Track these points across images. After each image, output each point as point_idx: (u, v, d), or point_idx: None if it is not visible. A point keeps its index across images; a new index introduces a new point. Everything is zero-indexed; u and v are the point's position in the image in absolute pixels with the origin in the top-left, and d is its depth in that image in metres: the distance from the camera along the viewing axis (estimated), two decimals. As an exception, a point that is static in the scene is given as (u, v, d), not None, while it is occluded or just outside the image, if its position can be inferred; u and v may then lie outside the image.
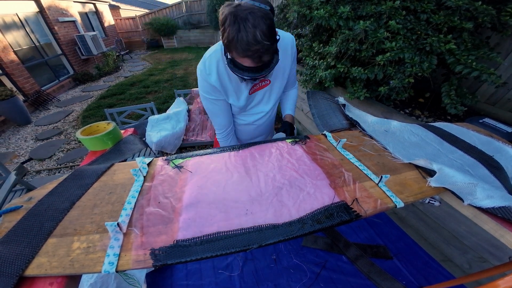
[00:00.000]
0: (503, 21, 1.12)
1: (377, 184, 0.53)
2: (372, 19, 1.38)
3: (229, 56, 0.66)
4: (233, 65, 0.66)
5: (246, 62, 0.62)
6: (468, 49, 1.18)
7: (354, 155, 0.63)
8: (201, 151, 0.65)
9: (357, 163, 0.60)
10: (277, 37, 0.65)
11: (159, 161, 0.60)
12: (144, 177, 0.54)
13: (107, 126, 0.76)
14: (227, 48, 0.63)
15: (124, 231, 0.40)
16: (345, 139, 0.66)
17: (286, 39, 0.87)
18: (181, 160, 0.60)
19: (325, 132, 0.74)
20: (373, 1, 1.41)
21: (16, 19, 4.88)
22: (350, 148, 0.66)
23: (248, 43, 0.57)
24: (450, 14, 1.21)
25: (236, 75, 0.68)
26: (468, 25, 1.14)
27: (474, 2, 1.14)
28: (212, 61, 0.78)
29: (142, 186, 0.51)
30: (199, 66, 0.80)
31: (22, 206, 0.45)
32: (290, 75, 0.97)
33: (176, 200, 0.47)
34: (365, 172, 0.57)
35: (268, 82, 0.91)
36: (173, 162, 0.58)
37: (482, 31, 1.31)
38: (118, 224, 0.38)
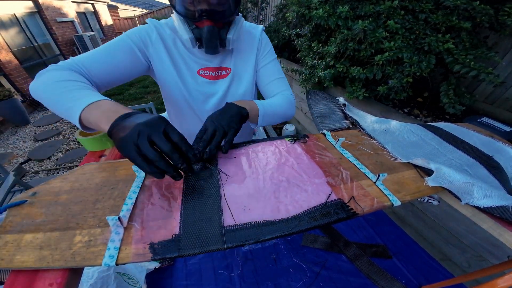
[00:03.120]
0: (501, 21, 1.13)
1: (375, 182, 0.53)
2: (370, 18, 1.39)
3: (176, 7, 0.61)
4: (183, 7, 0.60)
5: (192, 5, 0.59)
6: (466, 48, 1.18)
7: (352, 153, 0.63)
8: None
9: (355, 162, 0.60)
10: None
11: (160, 158, 0.60)
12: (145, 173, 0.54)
13: (106, 126, 0.76)
14: None
15: (125, 225, 0.40)
16: (344, 138, 0.66)
17: (254, 28, 0.80)
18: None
19: (324, 131, 0.74)
20: (372, 1, 1.42)
21: (14, 19, 4.86)
22: (349, 147, 0.67)
23: None
24: (448, 13, 1.22)
25: (187, 17, 0.62)
26: (466, 25, 1.15)
27: (472, 1, 1.14)
28: (162, 24, 0.71)
29: (143, 182, 0.51)
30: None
31: (27, 200, 0.45)
32: (266, 67, 0.80)
33: (176, 196, 0.48)
34: (363, 170, 0.57)
35: (228, 71, 0.77)
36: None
37: (480, 30, 1.32)
38: (119, 218, 0.39)
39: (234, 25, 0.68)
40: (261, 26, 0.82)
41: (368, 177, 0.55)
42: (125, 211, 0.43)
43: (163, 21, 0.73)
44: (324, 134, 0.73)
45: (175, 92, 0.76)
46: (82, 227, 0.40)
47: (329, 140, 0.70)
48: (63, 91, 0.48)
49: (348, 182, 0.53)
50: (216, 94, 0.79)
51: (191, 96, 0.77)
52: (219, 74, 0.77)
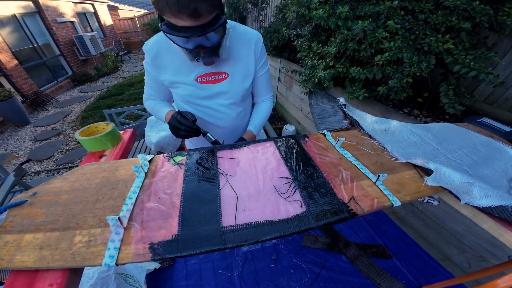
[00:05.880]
0: (501, 21, 1.12)
1: (375, 183, 0.53)
2: (370, 19, 1.39)
3: (164, 23, 0.61)
4: (169, 28, 0.59)
5: (182, 21, 0.56)
6: (466, 48, 1.18)
7: (352, 154, 0.63)
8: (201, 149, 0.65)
9: (355, 162, 0.60)
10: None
11: (160, 158, 0.61)
12: (145, 173, 0.54)
13: (106, 126, 0.76)
14: (159, 10, 0.56)
15: (125, 225, 0.40)
16: (344, 138, 0.66)
17: (250, 33, 0.83)
18: (181, 157, 0.60)
19: (324, 131, 0.74)
20: (372, 1, 1.42)
21: (14, 19, 4.87)
22: (349, 147, 0.67)
23: None
24: (448, 14, 1.22)
25: (173, 41, 0.63)
26: (466, 25, 1.15)
27: (471, 2, 1.14)
28: (155, 38, 0.79)
29: (143, 182, 0.51)
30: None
31: (27, 200, 0.45)
32: (259, 78, 0.91)
33: (176, 196, 0.48)
34: (363, 171, 0.57)
35: (226, 76, 0.83)
36: (173, 159, 0.59)
37: (479, 30, 1.32)
38: (119, 218, 0.39)
39: (225, 37, 0.71)
40: (257, 33, 0.85)
41: (368, 178, 0.55)
42: (125, 211, 0.43)
43: (156, 37, 0.79)
44: (324, 134, 0.73)
45: (182, 96, 0.88)
46: (82, 227, 0.40)
47: (329, 140, 0.70)
48: (157, 110, 0.92)
49: (348, 182, 0.53)
50: (219, 94, 0.87)
51: (196, 99, 0.87)
52: (217, 78, 0.84)
